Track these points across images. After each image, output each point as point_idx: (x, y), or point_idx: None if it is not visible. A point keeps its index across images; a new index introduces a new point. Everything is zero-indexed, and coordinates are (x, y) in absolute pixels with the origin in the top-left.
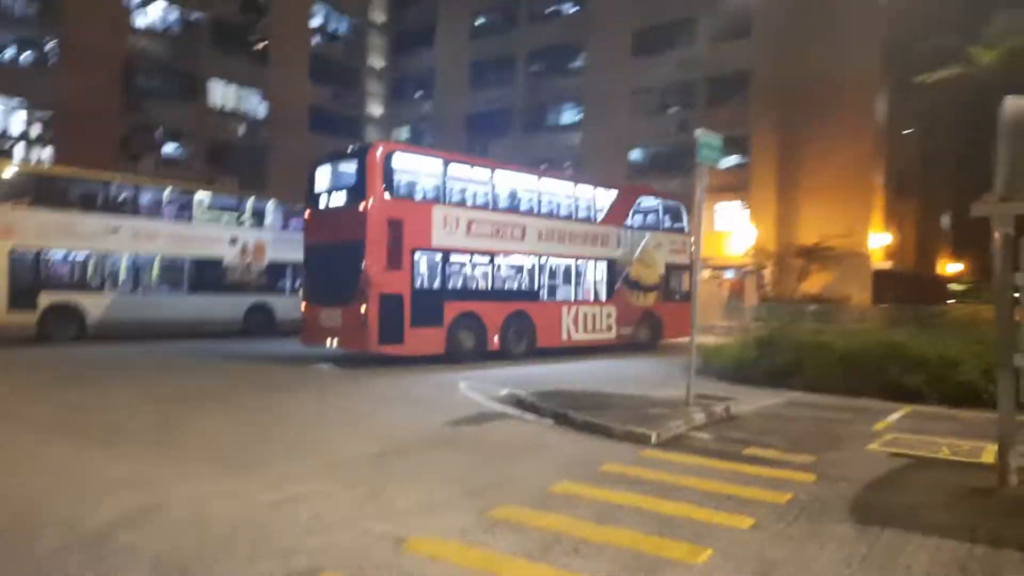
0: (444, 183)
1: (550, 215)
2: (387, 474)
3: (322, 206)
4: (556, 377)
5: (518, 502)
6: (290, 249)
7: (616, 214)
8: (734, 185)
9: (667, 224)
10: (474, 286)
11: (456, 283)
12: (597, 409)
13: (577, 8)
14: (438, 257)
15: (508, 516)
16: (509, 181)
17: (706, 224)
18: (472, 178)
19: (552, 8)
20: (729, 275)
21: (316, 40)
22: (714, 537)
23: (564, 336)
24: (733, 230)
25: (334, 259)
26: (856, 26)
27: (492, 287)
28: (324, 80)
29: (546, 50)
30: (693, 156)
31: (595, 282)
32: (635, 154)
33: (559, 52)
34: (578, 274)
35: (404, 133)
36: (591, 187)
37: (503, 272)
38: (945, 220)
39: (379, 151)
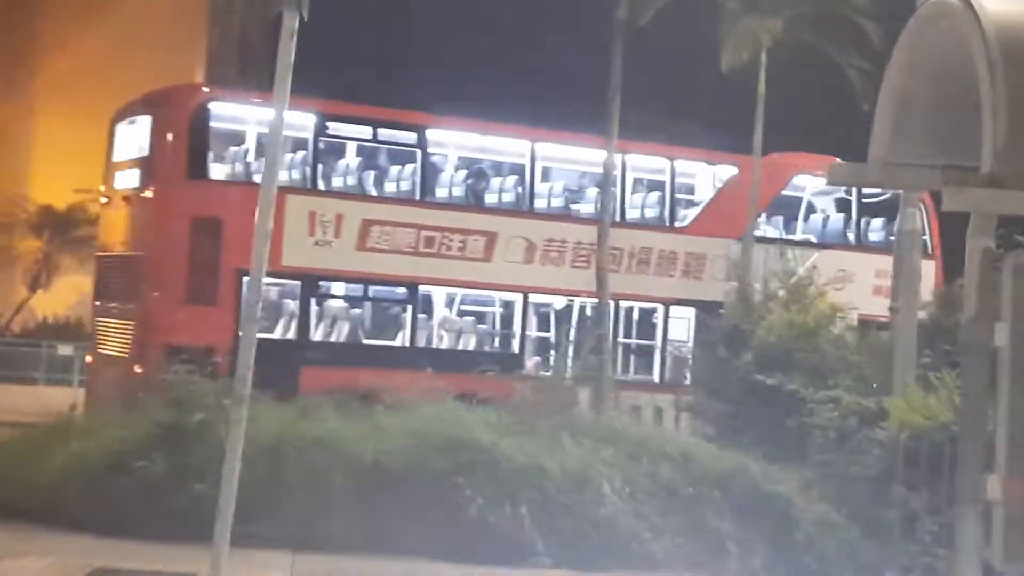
0: (315, 153)
1: (556, 213)
2: None
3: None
4: None
5: None
6: None
7: (729, 211)
8: None
9: (871, 235)
10: (374, 340)
11: (333, 333)
12: None
13: None
14: (294, 286)
15: None
16: (463, 143)
17: None
18: (381, 141)
19: None
20: None
21: None
22: None
23: None
24: None
25: (113, 282)
26: None
27: (413, 343)
28: None
29: None
30: None
31: (663, 351)
32: None
33: None
34: (621, 332)
35: None
36: (666, 155)
37: (442, 317)
38: None
39: (179, 102)
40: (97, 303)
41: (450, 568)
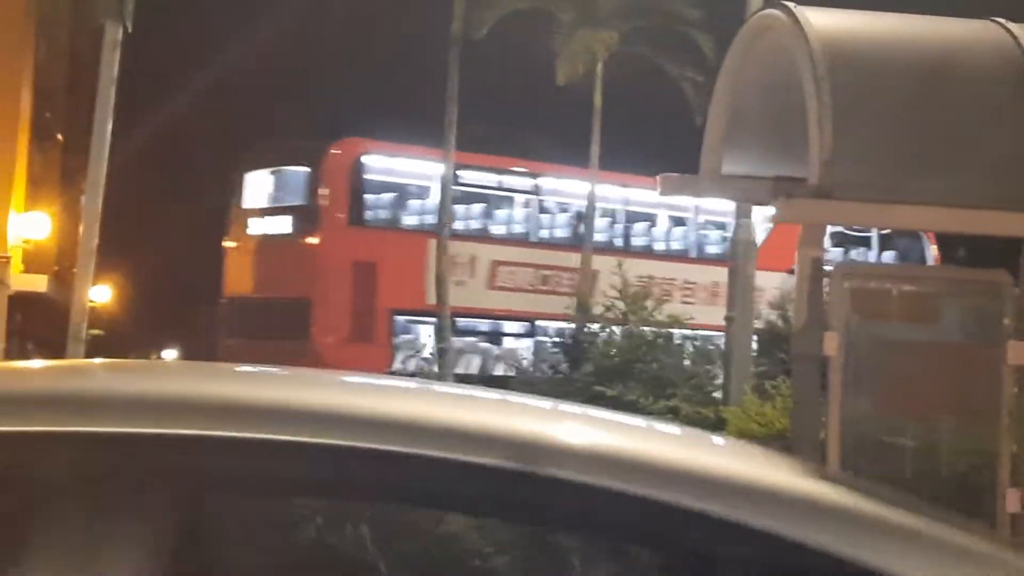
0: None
1: (639, 248)
2: None
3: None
4: None
5: None
6: None
7: (780, 245)
8: None
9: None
10: (502, 372)
11: (463, 365)
12: None
13: None
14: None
15: None
16: (564, 189)
17: None
18: (502, 187)
19: None
20: None
21: None
22: None
23: None
24: None
25: (263, 325)
26: None
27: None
28: None
29: None
30: None
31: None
32: None
33: None
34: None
35: None
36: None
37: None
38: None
39: (341, 154)
40: (229, 342)
41: None
